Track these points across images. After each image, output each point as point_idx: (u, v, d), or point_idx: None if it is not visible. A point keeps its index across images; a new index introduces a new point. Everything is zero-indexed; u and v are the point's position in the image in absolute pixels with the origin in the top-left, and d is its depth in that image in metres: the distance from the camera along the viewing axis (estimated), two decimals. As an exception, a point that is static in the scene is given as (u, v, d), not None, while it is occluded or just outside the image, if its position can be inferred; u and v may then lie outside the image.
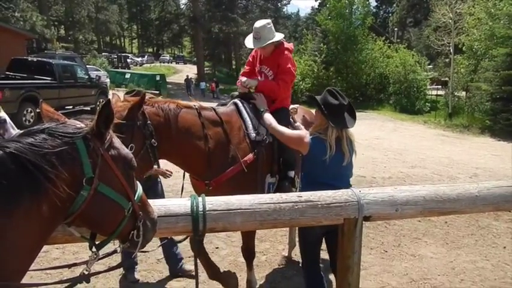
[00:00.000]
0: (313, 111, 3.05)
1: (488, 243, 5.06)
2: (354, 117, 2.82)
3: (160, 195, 3.69)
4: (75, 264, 1.61)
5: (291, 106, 3.64)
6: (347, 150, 2.72)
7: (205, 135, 2.84)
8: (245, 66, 3.76)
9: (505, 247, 4.95)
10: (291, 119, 3.47)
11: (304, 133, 2.87)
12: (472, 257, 4.62)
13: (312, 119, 3.41)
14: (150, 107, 2.63)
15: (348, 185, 2.77)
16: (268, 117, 3.06)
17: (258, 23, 3.40)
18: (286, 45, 3.49)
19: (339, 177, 2.77)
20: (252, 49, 3.62)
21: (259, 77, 3.52)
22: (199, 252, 3.30)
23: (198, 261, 2.67)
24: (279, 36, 3.41)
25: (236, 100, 3.28)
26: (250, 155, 3.00)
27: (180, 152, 2.79)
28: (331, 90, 2.81)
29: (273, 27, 3.40)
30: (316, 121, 2.85)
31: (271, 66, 3.45)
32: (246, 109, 3.19)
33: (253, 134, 3.07)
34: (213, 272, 3.25)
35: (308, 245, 2.89)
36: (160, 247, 3.75)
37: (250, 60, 3.68)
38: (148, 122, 2.53)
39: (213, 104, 3.41)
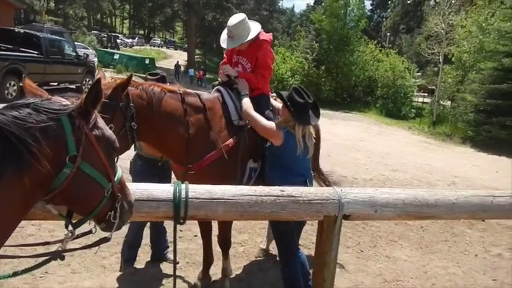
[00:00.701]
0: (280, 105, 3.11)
1: (461, 250, 5.19)
2: (317, 115, 2.96)
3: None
4: (49, 243, 1.59)
5: (273, 94, 3.69)
6: (311, 144, 2.92)
7: (186, 121, 2.83)
8: (224, 56, 3.72)
9: (476, 255, 5.08)
10: (271, 106, 3.49)
11: (273, 125, 2.95)
12: (444, 263, 4.73)
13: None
14: (135, 88, 2.61)
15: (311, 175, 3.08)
16: (246, 103, 3.09)
17: (232, 21, 3.28)
18: (264, 36, 3.40)
19: (308, 170, 3.05)
20: None
21: (235, 67, 3.48)
22: (207, 240, 3.44)
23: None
24: (255, 31, 3.31)
25: (219, 87, 3.31)
26: (231, 140, 3.03)
27: (159, 136, 2.78)
28: (297, 88, 2.96)
29: (248, 23, 3.30)
30: (282, 116, 2.98)
31: (249, 58, 3.40)
32: (230, 94, 3.22)
33: (235, 119, 3.11)
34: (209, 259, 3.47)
35: (283, 235, 2.94)
36: (147, 232, 3.76)
37: (229, 49, 3.63)
38: (131, 104, 2.52)
39: (200, 91, 3.42)
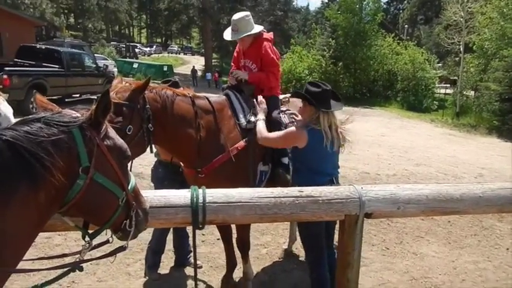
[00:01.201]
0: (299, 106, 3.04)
1: (491, 244, 5.03)
2: (339, 102, 2.90)
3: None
4: (66, 255, 1.62)
5: (282, 96, 3.69)
6: (337, 136, 2.81)
7: (197, 123, 2.86)
8: (231, 64, 3.80)
9: (508, 249, 4.92)
10: (281, 107, 3.53)
11: (293, 128, 2.88)
12: (474, 258, 4.60)
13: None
14: (149, 92, 2.65)
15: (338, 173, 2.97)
16: (259, 127, 3.01)
17: (236, 16, 3.43)
18: (265, 35, 3.49)
19: (335, 166, 2.95)
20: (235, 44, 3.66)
21: (243, 70, 3.55)
22: (229, 243, 3.46)
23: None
24: (257, 29, 3.43)
25: (227, 90, 3.35)
26: (241, 142, 3.04)
27: (172, 138, 2.81)
28: (311, 82, 2.91)
29: (251, 20, 3.42)
30: (305, 115, 2.86)
31: (254, 59, 3.47)
32: (238, 98, 3.24)
33: (243, 122, 3.11)
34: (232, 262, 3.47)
35: (310, 236, 2.87)
36: (170, 238, 3.79)
37: (235, 55, 3.73)
38: (148, 106, 2.55)
39: (216, 94, 3.48)
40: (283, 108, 3.56)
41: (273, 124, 3.24)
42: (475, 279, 4.10)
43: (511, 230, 5.54)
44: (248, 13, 3.47)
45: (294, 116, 3.41)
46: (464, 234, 5.27)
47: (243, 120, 3.12)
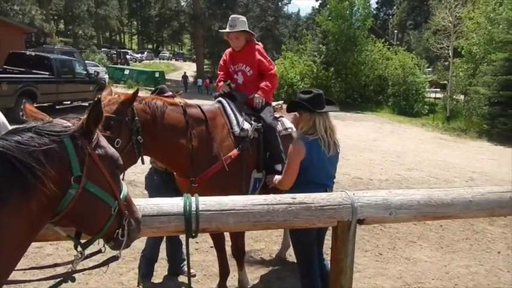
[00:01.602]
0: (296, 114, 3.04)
1: (483, 248, 5.07)
2: (334, 105, 2.91)
3: None
4: (58, 265, 1.60)
5: (275, 103, 3.74)
6: (333, 142, 2.78)
7: (189, 133, 2.86)
8: (218, 72, 3.86)
9: (499, 252, 4.96)
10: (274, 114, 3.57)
11: (290, 149, 2.79)
12: (466, 262, 4.63)
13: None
14: (138, 103, 2.65)
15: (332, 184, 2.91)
16: (276, 181, 2.96)
17: (234, 15, 3.65)
18: (257, 46, 3.63)
19: (330, 176, 2.88)
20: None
21: (235, 76, 3.63)
22: (221, 251, 3.45)
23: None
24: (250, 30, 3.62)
25: (220, 98, 3.35)
26: (235, 151, 3.04)
27: (164, 149, 2.81)
28: (302, 90, 2.93)
29: (246, 23, 3.60)
30: (302, 123, 2.79)
31: (248, 63, 3.56)
32: (231, 106, 3.24)
33: (237, 130, 3.11)
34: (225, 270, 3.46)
35: (302, 246, 2.87)
36: (164, 246, 3.76)
37: (222, 64, 3.78)
38: (136, 118, 2.55)
39: (209, 101, 3.52)
40: (276, 114, 3.58)
41: (268, 130, 3.25)
42: (467, 283, 4.12)
43: (501, 233, 5.59)
44: (243, 17, 3.66)
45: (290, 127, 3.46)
46: (456, 239, 5.31)
47: (236, 128, 3.11)
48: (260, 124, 3.27)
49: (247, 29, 3.52)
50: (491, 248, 5.10)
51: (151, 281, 3.70)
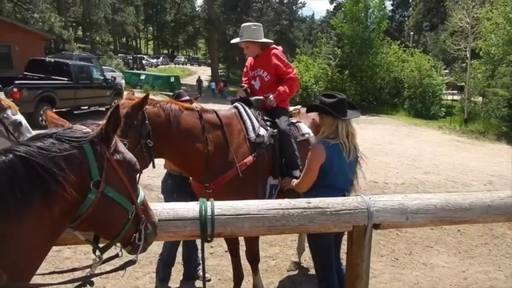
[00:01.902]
0: (311, 117, 3.03)
1: (502, 253, 4.96)
2: (355, 110, 2.91)
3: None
4: (77, 269, 1.63)
5: (293, 107, 3.71)
6: (353, 146, 2.78)
7: (205, 138, 2.87)
8: (242, 77, 3.84)
9: (519, 257, 4.85)
10: (291, 119, 3.55)
11: (310, 152, 2.79)
12: (485, 267, 4.54)
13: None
14: (152, 107, 2.68)
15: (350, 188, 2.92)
16: (293, 184, 2.97)
17: (245, 23, 3.60)
18: (275, 51, 3.57)
19: (348, 180, 2.89)
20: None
21: (252, 81, 3.63)
22: (235, 255, 3.44)
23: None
24: (264, 39, 3.55)
25: (237, 103, 3.35)
26: (250, 157, 3.03)
27: (179, 153, 2.83)
28: (325, 93, 2.88)
29: (259, 30, 3.53)
30: (324, 127, 2.77)
31: (265, 67, 3.54)
32: (247, 112, 3.24)
33: (253, 136, 3.10)
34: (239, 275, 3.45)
35: (320, 250, 2.83)
36: (180, 250, 3.79)
37: (245, 71, 3.78)
38: (147, 121, 2.57)
39: (223, 105, 3.52)
40: (293, 120, 3.56)
41: (283, 136, 3.24)
42: (487, 289, 4.04)
43: (522, 238, 5.47)
44: (258, 24, 3.59)
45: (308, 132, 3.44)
46: (474, 244, 5.21)
47: (252, 134, 3.10)
48: (276, 130, 3.26)
49: (251, 39, 3.46)
50: (510, 253, 4.99)
51: (168, 285, 3.72)
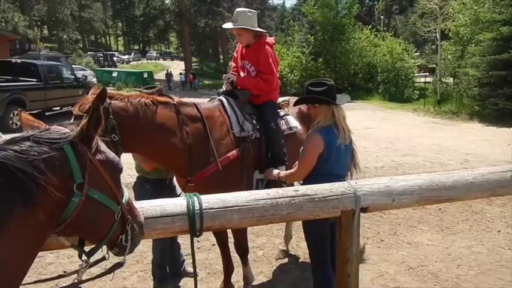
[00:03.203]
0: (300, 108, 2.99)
1: (483, 228, 5.11)
2: (343, 93, 2.91)
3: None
4: (63, 276, 1.57)
5: (282, 98, 3.60)
6: (347, 129, 2.77)
7: (182, 131, 2.79)
8: (231, 63, 3.72)
9: (499, 231, 5.01)
10: (279, 112, 3.45)
11: (306, 141, 2.74)
12: (467, 242, 4.66)
13: (309, 111, 3.09)
14: (119, 101, 2.61)
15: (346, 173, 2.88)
16: (284, 175, 2.91)
17: (239, 9, 3.42)
18: (267, 39, 3.40)
19: (347, 165, 2.92)
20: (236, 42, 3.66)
21: (241, 73, 3.48)
22: (225, 247, 3.39)
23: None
24: (258, 28, 3.35)
25: (221, 96, 3.26)
26: (234, 152, 2.96)
27: (154, 147, 2.76)
28: (310, 82, 2.80)
29: (254, 18, 3.33)
30: (320, 116, 2.70)
31: (252, 61, 3.38)
32: (231, 104, 3.15)
33: (237, 130, 3.03)
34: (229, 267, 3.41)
35: (315, 237, 2.79)
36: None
37: (235, 55, 3.65)
38: (111, 116, 2.50)
39: (194, 98, 3.42)
40: (281, 112, 3.47)
41: (269, 131, 3.18)
42: (470, 263, 4.15)
43: (500, 212, 5.64)
44: (253, 10, 3.40)
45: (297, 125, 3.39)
46: (455, 221, 5.35)
47: (236, 128, 3.03)
48: (262, 124, 3.18)
49: (247, 27, 3.26)
50: (491, 227, 5.14)
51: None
